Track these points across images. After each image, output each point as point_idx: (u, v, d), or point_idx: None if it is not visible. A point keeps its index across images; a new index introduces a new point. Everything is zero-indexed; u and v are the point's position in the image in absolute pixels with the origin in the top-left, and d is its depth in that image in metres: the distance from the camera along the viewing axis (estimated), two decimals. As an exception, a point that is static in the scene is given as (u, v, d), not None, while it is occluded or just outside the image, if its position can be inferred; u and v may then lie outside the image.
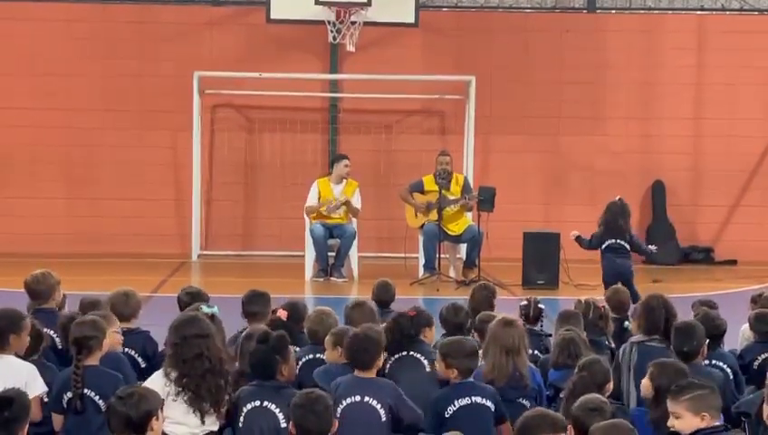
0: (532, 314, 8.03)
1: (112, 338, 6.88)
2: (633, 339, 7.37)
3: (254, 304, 7.66)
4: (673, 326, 6.99)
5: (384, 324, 7.22)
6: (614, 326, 8.16)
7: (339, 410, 5.95)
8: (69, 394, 6.27)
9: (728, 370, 7.21)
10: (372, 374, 6.29)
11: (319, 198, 14.93)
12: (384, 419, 6.07)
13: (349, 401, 5.93)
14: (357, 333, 6.43)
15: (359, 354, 6.28)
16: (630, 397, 6.93)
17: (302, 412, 5.34)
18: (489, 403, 6.27)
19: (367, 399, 6.09)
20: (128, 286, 8.08)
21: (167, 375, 6.13)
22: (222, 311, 7.50)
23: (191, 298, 7.98)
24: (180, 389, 6.07)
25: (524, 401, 6.71)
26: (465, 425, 5.84)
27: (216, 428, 6.18)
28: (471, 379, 6.41)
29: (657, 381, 5.93)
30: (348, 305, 7.82)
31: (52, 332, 7.36)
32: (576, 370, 6.21)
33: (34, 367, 6.45)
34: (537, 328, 8.03)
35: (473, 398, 6.25)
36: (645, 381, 6.05)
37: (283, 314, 7.50)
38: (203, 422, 6.10)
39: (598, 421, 5.07)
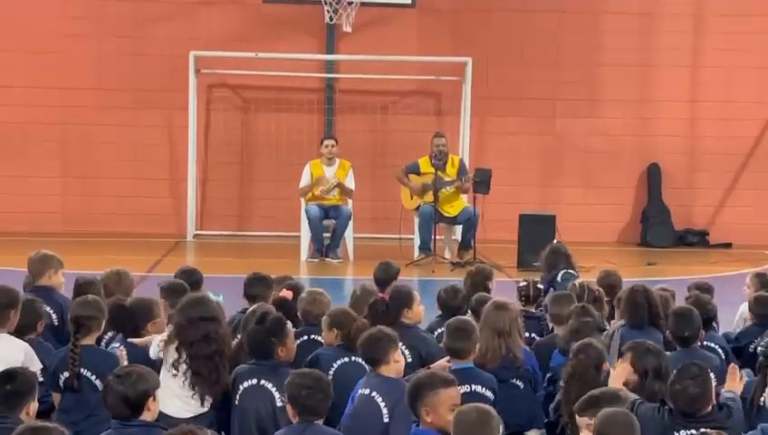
0: (531, 295, 8.01)
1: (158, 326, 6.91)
2: (619, 323, 7.39)
3: (255, 287, 7.68)
4: (672, 312, 7.00)
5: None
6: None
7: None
8: (65, 374, 6.29)
9: (720, 351, 7.24)
10: (392, 371, 6.03)
11: (312, 178, 14.89)
12: (386, 419, 5.87)
13: (360, 392, 5.91)
14: (371, 331, 6.24)
15: (369, 352, 6.12)
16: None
17: (311, 392, 5.33)
18: (488, 393, 6.17)
19: (374, 394, 5.93)
20: (121, 266, 8.09)
21: (166, 346, 6.20)
22: (217, 290, 7.50)
23: (186, 278, 7.99)
24: (183, 368, 6.11)
25: (518, 382, 6.70)
26: None
27: (203, 410, 6.21)
28: (471, 364, 6.32)
29: (642, 364, 5.92)
30: (356, 290, 7.78)
31: (49, 308, 7.39)
32: (571, 355, 6.20)
33: (28, 345, 6.48)
34: (535, 310, 8.01)
35: (472, 386, 6.14)
36: (624, 367, 6.02)
37: (288, 293, 7.50)
38: (202, 404, 6.17)
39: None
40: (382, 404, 5.88)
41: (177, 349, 6.22)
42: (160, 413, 5.74)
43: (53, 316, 7.44)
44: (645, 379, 5.91)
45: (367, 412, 5.86)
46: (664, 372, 5.91)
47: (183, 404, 6.17)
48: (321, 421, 5.36)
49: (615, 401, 5.22)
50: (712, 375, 5.60)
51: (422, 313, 7.35)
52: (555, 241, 9.59)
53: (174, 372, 6.18)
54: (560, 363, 6.81)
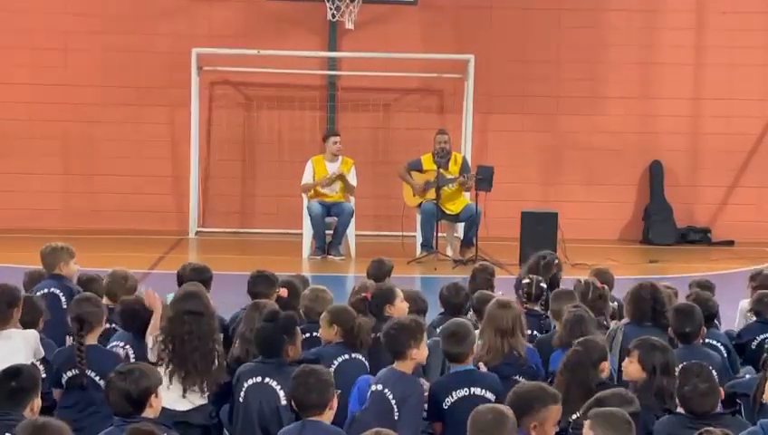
0: (534, 293, 8.00)
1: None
2: (622, 322, 7.38)
3: (257, 286, 7.67)
4: (673, 308, 7.01)
5: None
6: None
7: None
8: (69, 373, 6.30)
9: (722, 348, 7.24)
10: (408, 367, 6.04)
11: (314, 176, 14.88)
12: (396, 416, 5.86)
13: (373, 388, 5.94)
14: (393, 322, 6.25)
15: (388, 344, 6.12)
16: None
17: (295, 384, 5.36)
18: (489, 394, 6.12)
19: (386, 391, 5.93)
20: (123, 263, 8.11)
21: (155, 343, 6.30)
22: (219, 287, 7.51)
23: (194, 274, 8.00)
24: (166, 360, 6.18)
25: (521, 379, 6.67)
26: (464, 418, 5.38)
27: (203, 402, 6.25)
28: (470, 366, 6.30)
29: (649, 361, 5.92)
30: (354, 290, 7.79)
31: (60, 292, 7.53)
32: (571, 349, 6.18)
33: (36, 332, 6.52)
34: (538, 308, 8.01)
35: (472, 389, 6.12)
36: (633, 365, 6.01)
37: (283, 292, 7.51)
38: (184, 396, 6.20)
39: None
40: (393, 401, 5.88)
41: (164, 341, 6.27)
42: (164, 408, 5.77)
43: (63, 300, 7.50)
44: (653, 376, 5.90)
45: (380, 409, 5.86)
46: (671, 367, 5.90)
47: (177, 397, 6.18)
48: (321, 417, 5.30)
49: (624, 404, 5.14)
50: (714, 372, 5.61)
51: (405, 310, 7.32)
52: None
53: (161, 364, 6.21)
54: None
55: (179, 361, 6.18)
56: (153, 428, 4.75)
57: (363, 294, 7.33)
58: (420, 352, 6.07)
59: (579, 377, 5.83)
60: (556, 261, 8.78)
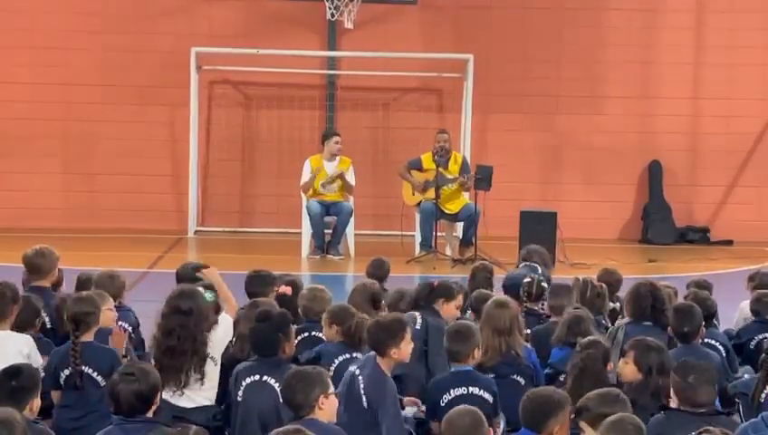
0: (534, 292, 8.01)
1: (106, 315, 6.89)
2: (623, 321, 7.41)
3: (255, 284, 7.69)
4: (672, 308, 7.03)
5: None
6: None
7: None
8: (66, 371, 6.29)
9: (720, 348, 7.26)
10: (386, 364, 6.06)
11: (312, 175, 14.86)
12: (365, 405, 5.97)
13: (351, 369, 6.10)
14: (375, 320, 6.32)
15: (369, 341, 6.19)
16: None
17: (282, 386, 5.44)
18: (487, 395, 6.17)
19: (360, 377, 6.05)
20: (122, 262, 8.08)
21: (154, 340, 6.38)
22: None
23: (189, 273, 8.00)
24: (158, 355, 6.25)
25: (519, 378, 6.70)
26: None
27: (189, 405, 6.27)
28: (469, 367, 6.33)
29: (645, 362, 5.94)
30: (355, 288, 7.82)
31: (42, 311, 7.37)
32: (578, 348, 6.19)
33: (31, 339, 6.50)
34: (538, 307, 8.02)
35: (470, 388, 6.17)
36: (628, 366, 6.03)
37: (287, 289, 7.53)
38: (182, 393, 6.24)
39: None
40: (362, 389, 5.96)
41: (158, 337, 6.32)
42: (167, 402, 5.80)
43: (46, 318, 7.41)
44: (649, 376, 5.91)
45: (351, 392, 5.99)
46: (667, 368, 5.91)
47: (171, 393, 6.22)
48: (315, 416, 5.30)
49: (614, 405, 5.15)
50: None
51: (455, 314, 7.35)
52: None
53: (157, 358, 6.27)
54: (560, 359, 6.82)
55: (174, 356, 6.21)
56: (199, 430, 4.73)
57: (432, 281, 7.44)
58: (401, 351, 6.07)
59: (596, 378, 5.86)
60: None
